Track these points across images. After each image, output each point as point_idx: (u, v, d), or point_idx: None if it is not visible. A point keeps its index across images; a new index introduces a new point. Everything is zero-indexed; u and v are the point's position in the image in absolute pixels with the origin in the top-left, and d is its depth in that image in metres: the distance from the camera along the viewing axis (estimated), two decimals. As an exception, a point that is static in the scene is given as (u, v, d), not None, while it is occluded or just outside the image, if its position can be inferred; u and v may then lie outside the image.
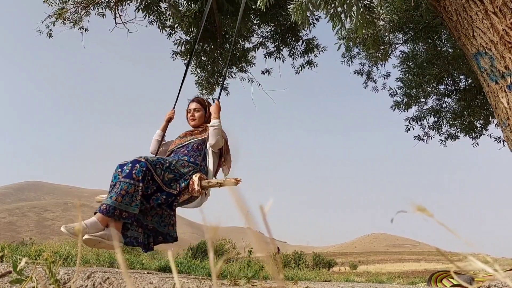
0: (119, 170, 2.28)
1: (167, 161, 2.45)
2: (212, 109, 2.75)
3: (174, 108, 3.07)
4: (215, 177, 2.71)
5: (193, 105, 2.95)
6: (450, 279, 3.28)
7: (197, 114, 2.91)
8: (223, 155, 2.82)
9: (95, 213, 2.17)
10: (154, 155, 2.91)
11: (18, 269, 0.97)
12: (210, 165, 2.68)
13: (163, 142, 3.00)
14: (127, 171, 2.23)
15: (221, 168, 2.85)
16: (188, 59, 3.60)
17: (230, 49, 4.08)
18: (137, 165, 2.26)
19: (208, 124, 2.81)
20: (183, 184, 2.41)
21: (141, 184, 2.20)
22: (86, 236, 1.97)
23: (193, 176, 2.43)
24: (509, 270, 3.25)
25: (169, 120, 3.04)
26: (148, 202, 2.31)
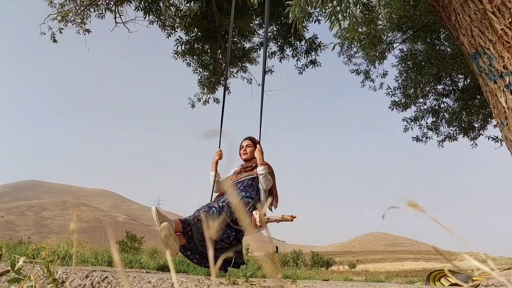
0: (197, 210, 2.90)
1: (231, 203, 2.96)
2: (257, 155, 3.28)
3: (219, 147, 3.52)
4: (270, 210, 3.26)
5: (246, 142, 3.49)
6: (448, 278, 3.29)
7: (249, 150, 3.44)
8: (272, 190, 3.36)
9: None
10: (215, 194, 3.47)
11: (16, 268, 0.97)
12: (262, 197, 3.24)
13: (219, 180, 3.48)
14: (206, 209, 2.88)
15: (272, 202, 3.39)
16: (222, 103, 3.84)
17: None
18: (213, 208, 2.90)
19: (256, 160, 3.32)
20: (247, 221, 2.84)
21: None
22: (166, 223, 2.49)
23: (254, 213, 3.00)
24: (507, 269, 3.26)
25: (218, 160, 3.49)
26: (222, 240, 2.88)
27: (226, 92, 7.92)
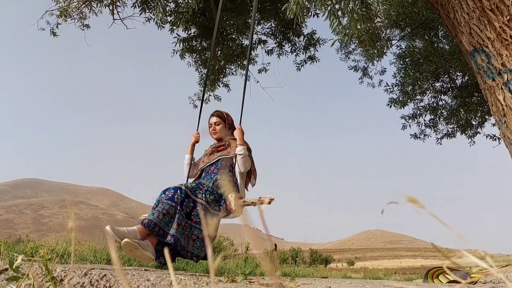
0: (163, 195, 2.55)
1: (205, 185, 2.77)
2: (236, 134, 2.99)
3: (197, 130, 3.28)
4: (246, 189, 3.02)
5: (214, 119, 3.16)
6: (446, 275, 3.30)
7: (218, 128, 3.14)
8: (251, 167, 3.05)
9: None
10: (191, 179, 3.17)
11: (14, 267, 0.97)
12: (239, 178, 2.97)
13: (193, 163, 3.23)
14: (170, 195, 2.51)
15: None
16: (201, 97, 3.72)
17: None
18: (178, 191, 2.54)
19: (230, 138, 3.09)
20: (223, 205, 2.73)
21: (179, 208, 2.47)
22: (125, 240, 2.16)
23: (229, 196, 2.71)
24: (505, 266, 3.27)
25: (195, 143, 3.25)
26: (190, 218, 2.55)
27: (226, 89, 7.98)
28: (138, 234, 2.29)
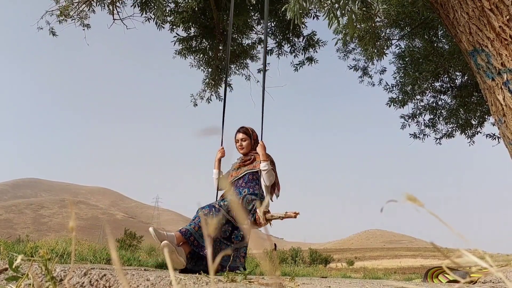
0: (200, 211, 2.85)
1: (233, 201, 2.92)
2: (259, 150, 3.20)
3: (222, 145, 3.47)
4: (271, 200, 3.26)
5: (240, 136, 3.37)
6: (446, 275, 3.30)
7: (244, 144, 3.35)
8: (274, 180, 3.28)
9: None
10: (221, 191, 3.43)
11: (14, 266, 0.97)
12: (265, 191, 3.20)
13: (222, 177, 3.43)
14: (205, 212, 2.82)
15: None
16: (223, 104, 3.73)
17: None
18: (213, 209, 2.84)
19: (255, 153, 3.31)
20: (252, 219, 2.99)
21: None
22: (165, 242, 2.50)
23: (257, 210, 2.95)
24: (504, 265, 3.28)
25: (221, 158, 3.44)
26: (231, 241, 2.88)
27: (228, 89, 7.99)
28: (175, 240, 2.60)
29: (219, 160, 3.41)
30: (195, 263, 2.78)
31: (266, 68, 7.80)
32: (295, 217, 2.76)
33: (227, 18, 6.27)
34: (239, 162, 3.34)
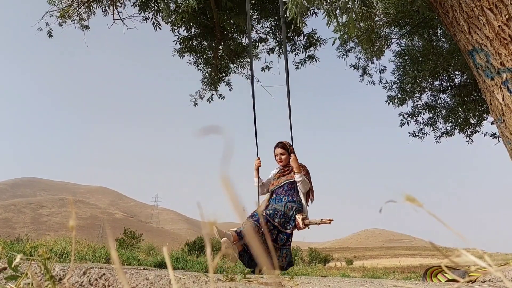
0: (250, 218, 3.35)
1: (279, 210, 3.50)
2: (293, 163, 3.69)
3: (258, 155, 3.87)
4: (307, 205, 3.72)
5: (279, 151, 3.85)
6: (445, 274, 3.31)
7: (283, 157, 3.83)
8: (309, 187, 3.80)
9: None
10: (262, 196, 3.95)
11: (13, 266, 0.97)
12: (302, 197, 3.69)
13: (262, 184, 3.91)
14: (255, 218, 3.33)
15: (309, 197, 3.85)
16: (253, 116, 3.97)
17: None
18: (262, 216, 3.43)
19: (292, 164, 3.74)
20: (293, 224, 3.49)
21: (261, 230, 3.27)
22: (225, 238, 3.09)
23: (297, 217, 3.46)
24: (503, 265, 3.28)
25: (258, 167, 3.87)
26: (276, 242, 3.42)
27: (228, 88, 8.01)
28: (231, 238, 3.15)
29: (257, 170, 3.85)
30: (249, 258, 3.30)
31: (263, 65, 7.83)
32: (329, 223, 3.28)
33: (227, 18, 6.26)
34: (279, 173, 3.85)
